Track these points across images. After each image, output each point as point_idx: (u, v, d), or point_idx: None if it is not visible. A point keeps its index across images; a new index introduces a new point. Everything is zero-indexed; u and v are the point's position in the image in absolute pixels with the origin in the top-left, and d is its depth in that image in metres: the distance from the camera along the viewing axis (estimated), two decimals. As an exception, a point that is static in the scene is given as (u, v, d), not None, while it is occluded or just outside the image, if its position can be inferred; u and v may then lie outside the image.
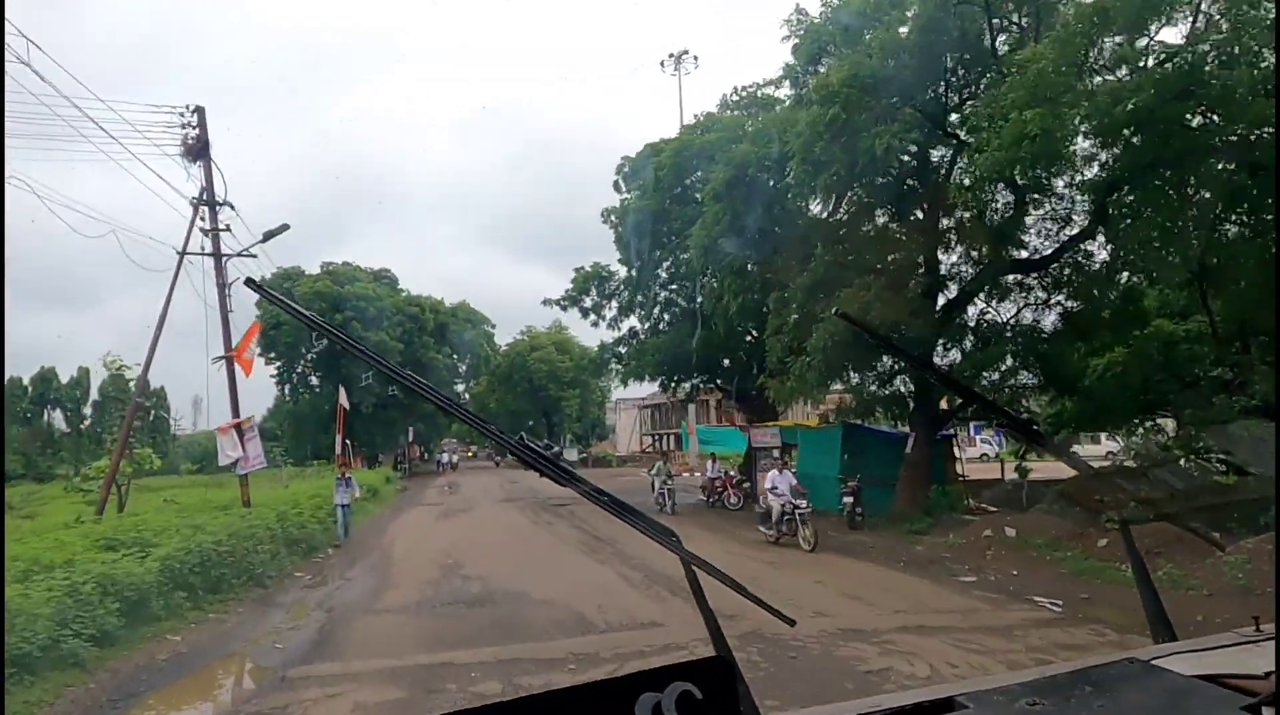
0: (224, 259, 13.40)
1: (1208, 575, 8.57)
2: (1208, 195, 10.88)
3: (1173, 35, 10.54)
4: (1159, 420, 15.79)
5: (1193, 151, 10.61)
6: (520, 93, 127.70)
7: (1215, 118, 10.22)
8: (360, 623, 8.58)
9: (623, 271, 25.01)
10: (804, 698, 5.33)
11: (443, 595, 9.72)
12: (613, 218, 24.31)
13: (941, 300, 15.69)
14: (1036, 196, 14.16)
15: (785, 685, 5.76)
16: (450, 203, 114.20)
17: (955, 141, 13.93)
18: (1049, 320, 15.36)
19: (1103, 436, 23.11)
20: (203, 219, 13.24)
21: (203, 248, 13.38)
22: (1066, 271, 15.00)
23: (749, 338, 23.12)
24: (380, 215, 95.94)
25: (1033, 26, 12.12)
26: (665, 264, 23.78)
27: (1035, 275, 15.23)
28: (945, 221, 15.77)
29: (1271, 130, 9.11)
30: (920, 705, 1.15)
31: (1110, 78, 9.86)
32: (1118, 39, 10.05)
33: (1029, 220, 14.77)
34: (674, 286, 24.37)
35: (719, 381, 25.36)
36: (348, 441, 27.60)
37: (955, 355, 16.38)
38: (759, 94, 22.77)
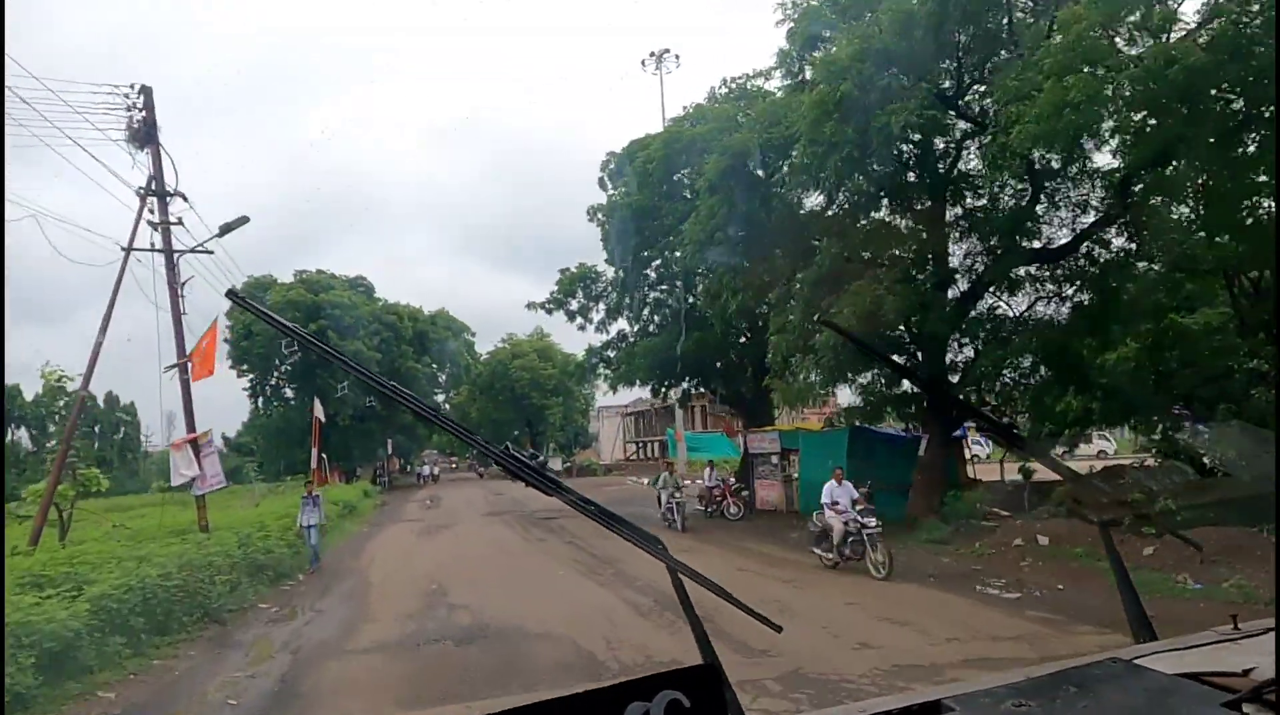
0: (176, 256, 12.13)
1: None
2: (1251, 177, 10.08)
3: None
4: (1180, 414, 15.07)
5: (1230, 127, 9.85)
6: (498, 101, 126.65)
7: (1256, 87, 9.41)
8: (331, 667, 7.40)
9: (610, 272, 23.96)
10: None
11: (427, 630, 8.55)
12: (599, 215, 23.26)
13: (952, 293, 14.84)
14: (1053, 183, 13.42)
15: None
16: (427, 212, 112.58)
17: (974, 122, 13.06)
18: (1065, 313, 14.57)
19: (1093, 435, 22.54)
20: (151, 212, 11.98)
21: (152, 244, 12.10)
22: (1081, 262, 14.25)
23: (743, 339, 22.18)
24: (356, 226, 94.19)
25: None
26: (655, 263, 22.80)
27: (1053, 266, 14.43)
28: (955, 210, 14.99)
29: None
30: (907, 709, 1.15)
31: (1155, 41, 8.98)
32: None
33: (1040, 209, 13.98)
34: (664, 287, 23.38)
35: (713, 385, 24.36)
36: (323, 456, 26.26)
37: (965, 353, 15.66)
38: (749, 86, 21.91)
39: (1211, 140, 9.56)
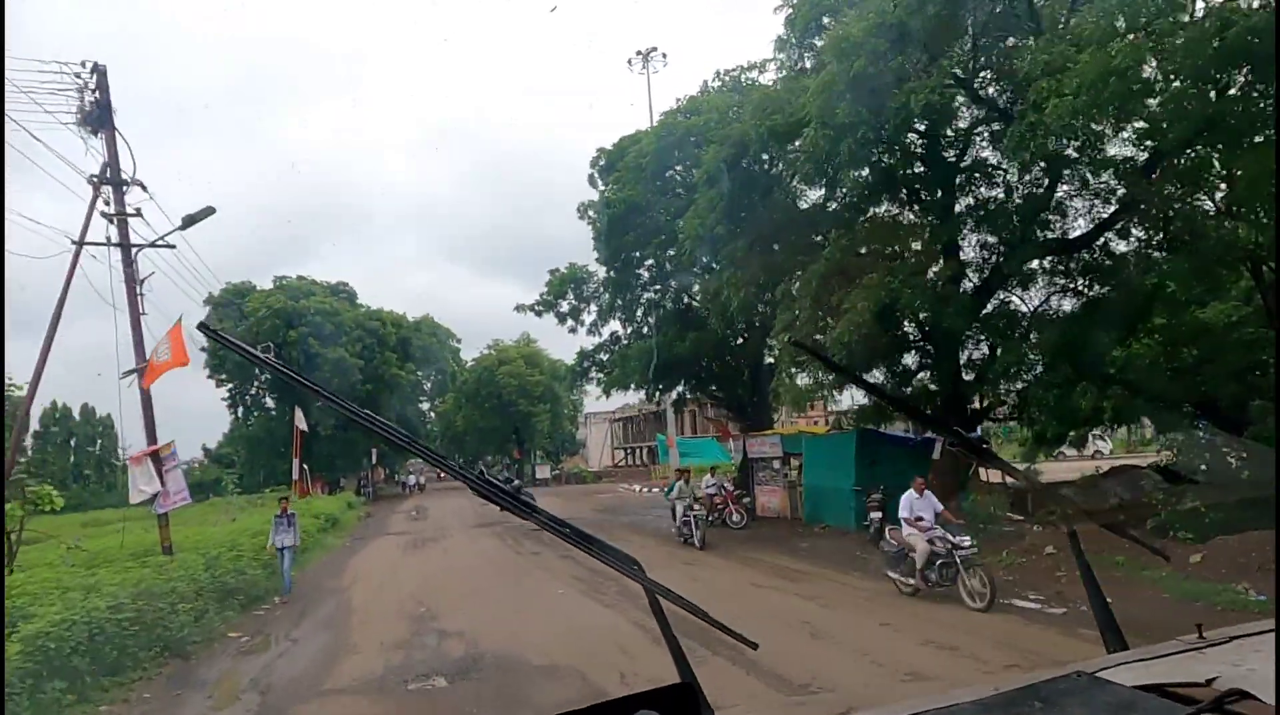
0: (134, 251, 11.09)
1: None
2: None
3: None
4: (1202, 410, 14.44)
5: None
6: (484, 104, 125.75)
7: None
8: (305, 713, 6.46)
9: (602, 272, 23.07)
10: None
11: (415, 663, 7.62)
12: (590, 213, 22.38)
13: (965, 287, 14.15)
14: (1071, 170, 12.75)
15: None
16: (411, 220, 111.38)
17: (989, 107, 12.36)
18: (1082, 307, 13.91)
19: (1090, 436, 22.01)
20: (106, 202, 10.94)
21: (108, 238, 11.04)
22: (1098, 255, 13.62)
23: (740, 339, 21.38)
24: (338, 235, 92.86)
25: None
26: (648, 263, 21.97)
27: (1069, 259, 13.76)
28: (966, 201, 14.32)
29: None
30: None
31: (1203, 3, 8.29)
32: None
33: (1059, 196, 13.33)
34: (657, 286, 22.54)
35: (709, 387, 23.52)
36: (305, 467, 25.17)
37: (980, 350, 14.97)
38: (743, 78, 21.19)
39: (1254, 112, 8.87)
